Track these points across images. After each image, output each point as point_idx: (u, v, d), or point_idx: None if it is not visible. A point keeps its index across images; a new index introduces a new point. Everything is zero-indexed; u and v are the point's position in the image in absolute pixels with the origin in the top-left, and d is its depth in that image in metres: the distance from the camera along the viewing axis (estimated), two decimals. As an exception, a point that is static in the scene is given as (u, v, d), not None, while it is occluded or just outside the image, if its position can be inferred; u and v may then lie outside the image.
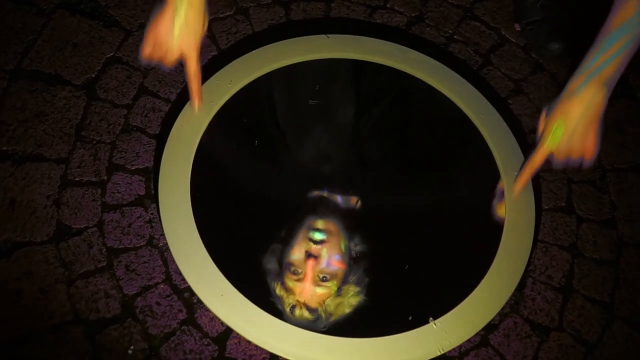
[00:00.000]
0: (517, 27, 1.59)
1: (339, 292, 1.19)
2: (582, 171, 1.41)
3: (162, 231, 1.21)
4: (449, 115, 1.39)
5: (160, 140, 1.35)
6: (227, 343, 1.19)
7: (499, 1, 1.64)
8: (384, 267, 1.27)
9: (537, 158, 1.16)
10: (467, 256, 1.25)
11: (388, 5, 1.61)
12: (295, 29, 1.52)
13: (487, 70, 1.55)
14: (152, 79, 1.43)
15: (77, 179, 1.30)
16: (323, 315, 1.17)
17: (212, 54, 1.49)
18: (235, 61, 1.38)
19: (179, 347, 1.18)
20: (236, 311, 1.14)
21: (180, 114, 1.31)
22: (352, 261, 1.24)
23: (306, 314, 1.17)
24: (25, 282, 1.19)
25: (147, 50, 1.10)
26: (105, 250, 1.24)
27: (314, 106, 1.42)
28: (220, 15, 1.54)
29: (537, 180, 1.39)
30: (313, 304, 1.17)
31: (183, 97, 1.38)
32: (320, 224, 1.24)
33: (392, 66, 1.42)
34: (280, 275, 1.21)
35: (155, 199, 1.28)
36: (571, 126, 1.07)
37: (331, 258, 1.20)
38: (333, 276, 1.19)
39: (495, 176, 1.31)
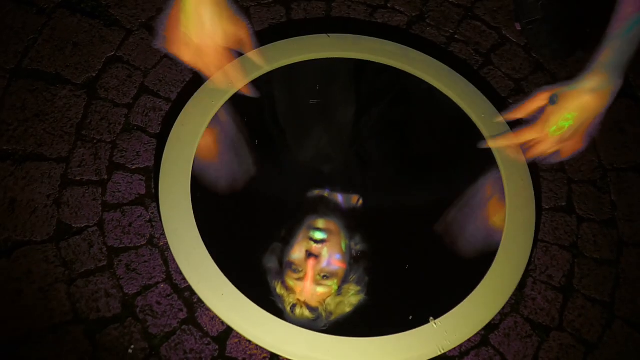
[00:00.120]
0: (518, 27, 1.59)
1: (339, 291, 1.20)
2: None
3: (163, 230, 1.21)
4: (449, 114, 1.40)
5: (161, 139, 1.35)
6: (228, 342, 1.19)
7: (499, 1, 1.64)
8: (385, 266, 1.27)
9: (530, 137, 1.11)
10: (467, 256, 1.25)
11: (389, 5, 1.61)
12: (296, 28, 1.52)
13: (487, 70, 1.55)
14: (153, 78, 1.43)
15: (77, 178, 1.30)
16: (323, 314, 1.18)
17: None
18: (235, 60, 1.37)
19: (180, 346, 1.18)
20: (237, 311, 1.14)
21: (181, 113, 1.31)
22: (353, 260, 1.24)
23: (307, 313, 1.17)
24: (25, 281, 1.19)
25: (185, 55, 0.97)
26: (105, 249, 1.24)
27: (315, 105, 1.42)
28: (221, 15, 1.54)
29: (537, 180, 1.39)
30: (313, 303, 1.17)
31: (183, 97, 1.38)
32: (321, 223, 1.24)
33: (393, 66, 1.42)
34: (280, 275, 1.21)
35: (155, 198, 1.28)
36: (579, 123, 1.06)
37: (332, 257, 1.20)
38: (334, 275, 1.19)
39: (496, 175, 1.31)
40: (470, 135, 1.35)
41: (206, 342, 1.19)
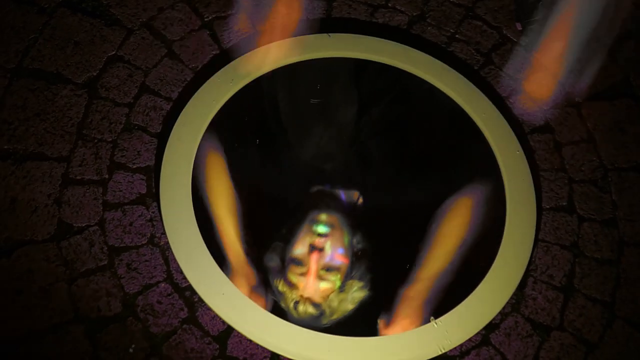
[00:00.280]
0: (519, 26, 1.59)
1: (342, 288, 1.19)
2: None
3: (164, 230, 1.21)
4: (450, 114, 1.40)
5: (162, 139, 1.35)
6: (228, 342, 1.19)
7: (500, 0, 1.64)
8: (385, 265, 1.27)
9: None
10: (468, 255, 1.25)
11: (390, 5, 1.61)
12: (296, 28, 1.52)
13: (488, 70, 1.55)
14: (154, 78, 1.43)
15: (78, 177, 1.30)
16: (327, 310, 1.17)
17: (214, 52, 1.49)
18: (236, 60, 1.38)
19: (180, 345, 1.18)
20: (237, 310, 1.14)
21: (182, 112, 1.31)
22: (355, 256, 1.24)
23: (310, 309, 1.16)
24: (25, 281, 1.19)
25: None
26: (106, 248, 1.24)
27: (316, 104, 1.42)
28: (222, 14, 1.54)
29: (538, 180, 1.39)
30: (317, 299, 1.17)
31: (184, 96, 1.38)
32: (324, 217, 1.24)
33: (394, 65, 1.42)
34: (282, 272, 1.21)
35: (156, 197, 1.28)
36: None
37: (335, 251, 1.20)
38: (337, 270, 1.19)
39: (496, 175, 1.31)
40: (471, 135, 1.35)
41: (207, 342, 1.19)
